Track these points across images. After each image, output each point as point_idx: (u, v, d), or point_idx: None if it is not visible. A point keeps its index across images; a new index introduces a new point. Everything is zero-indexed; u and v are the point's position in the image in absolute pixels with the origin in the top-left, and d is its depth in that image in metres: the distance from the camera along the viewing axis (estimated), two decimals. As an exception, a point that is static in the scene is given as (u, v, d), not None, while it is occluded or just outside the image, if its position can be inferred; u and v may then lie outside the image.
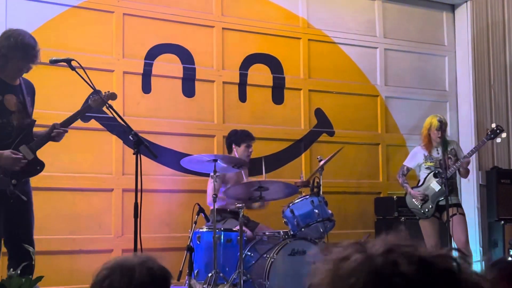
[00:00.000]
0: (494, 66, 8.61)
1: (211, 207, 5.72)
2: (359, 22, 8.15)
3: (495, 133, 6.52)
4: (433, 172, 6.52)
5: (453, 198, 6.45)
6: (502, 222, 7.53)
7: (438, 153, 6.44)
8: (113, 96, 4.84)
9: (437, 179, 6.46)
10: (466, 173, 6.62)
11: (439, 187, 6.43)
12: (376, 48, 8.21)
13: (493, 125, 6.69)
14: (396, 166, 8.09)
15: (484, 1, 8.63)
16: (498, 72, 8.62)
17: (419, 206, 6.54)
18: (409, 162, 6.78)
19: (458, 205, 6.53)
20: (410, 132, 8.25)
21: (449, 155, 6.50)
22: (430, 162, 6.55)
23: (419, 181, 6.68)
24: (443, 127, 6.41)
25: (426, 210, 6.52)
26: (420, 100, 8.39)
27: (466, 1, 8.59)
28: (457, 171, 6.50)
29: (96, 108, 4.90)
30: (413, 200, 6.59)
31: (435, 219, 6.53)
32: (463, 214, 6.50)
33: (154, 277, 1.97)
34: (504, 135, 6.66)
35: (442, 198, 6.35)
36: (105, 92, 4.80)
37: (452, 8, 8.76)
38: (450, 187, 6.39)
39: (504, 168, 8.10)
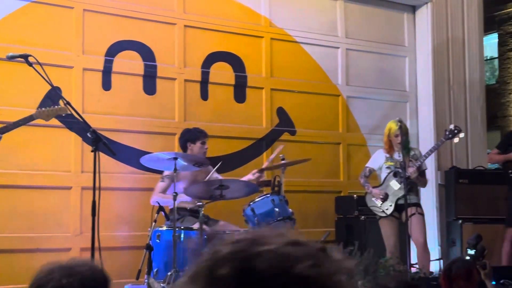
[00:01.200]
0: (453, 67, 8.72)
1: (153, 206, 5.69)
2: (321, 22, 8.18)
3: (453, 133, 6.60)
4: (393, 172, 6.58)
5: (412, 197, 6.51)
6: (460, 221, 7.62)
7: (399, 156, 6.51)
8: (62, 111, 4.75)
9: (397, 178, 6.53)
10: (423, 183, 6.72)
11: (399, 186, 6.50)
12: (338, 48, 8.25)
13: (451, 126, 6.78)
14: (356, 166, 8.16)
15: (444, 3, 8.73)
16: (457, 73, 8.74)
17: (379, 205, 6.60)
18: (371, 164, 6.84)
19: (417, 205, 6.59)
20: (370, 132, 8.31)
21: (410, 159, 6.57)
22: (391, 162, 6.62)
23: (380, 181, 6.75)
24: (402, 131, 6.46)
25: (386, 208, 6.58)
26: (381, 100, 8.46)
27: (427, 3, 8.67)
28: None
29: (41, 118, 4.80)
30: (373, 199, 6.64)
31: (394, 218, 6.59)
32: (422, 214, 6.57)
33: (96, 278, 1.95)
34: (461, 135, 6.76)
35: (401, 197, 6.41)
36: (53, 106, 4.69)
37: (413, 9, 8.85)
38: (410, 186, 6.46)
39: (463, 168, 8.21)
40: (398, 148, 6.50)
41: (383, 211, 6.60)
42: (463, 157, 8.53)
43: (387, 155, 6.65)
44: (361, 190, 7.78)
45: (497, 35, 21.18)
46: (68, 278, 1.93)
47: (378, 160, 6.77)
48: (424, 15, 8.72)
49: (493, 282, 5.65)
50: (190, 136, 6.31)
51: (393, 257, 6.10)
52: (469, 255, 4.95)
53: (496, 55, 21.45)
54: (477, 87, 8.91)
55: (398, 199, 6.49)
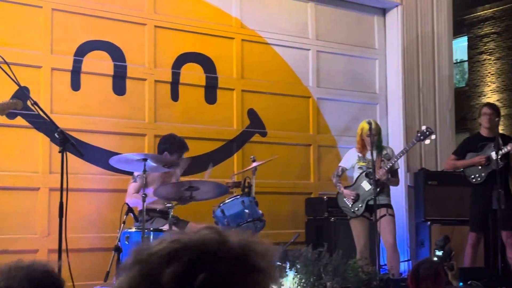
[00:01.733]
0: (423, 70, 8.80)
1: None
2: (292, 24, 8.20)
3: (425, 135, 6.66)
4: (364, 172, 6.62)
5: (383, 198, 6.55)
6: (429, 222, 7.70)
7: (372, 155, 6.55)
8: (17, 105, 4.67)
9: (368, 179, 6.57)
10: (395, 183, 6.77)
11: (370, 187, 6.53)
12: (309, 50, 8.27)
13: (423, 127, 6.84)
14: (327, 167, 8.19)
15: (414, 6, 8.81)
16: (427, 75, 8.82)
17: (350, 205, 6.64)
18: (344, 163, 6.87)
19: (388, 206, 6.62)
20: (341, 134, 8.35)
21: (382, 158, 6.62)
22: (363, 162, 6.66)
23: (352, 181, 6.79)
24: (374, 131, 6.50)
25: (356, 209, 6.62)
26: (351, 102, 8.50)
27: (397, 6, 8.73)
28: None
29: None
30: (345, 199, 6.68)
31: (365, 219, 6.63)
32: (392, 215, 6.61)
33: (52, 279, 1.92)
34: (433, 137, 6.83)
35: (372, 197, 6.44)
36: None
37: (383, 12, 8.90)
38: (381, 187, 6.51)
39: (432, 169, 8.29)
40: (371, 147, 6.54)
41: (353, 212, 6.64)
42: (432, 159, 8.61)
43: (360, 155, 6.69)
44: (332, 192, 7.81)
45: (466, 38, 21.41)
46: (14, 279, 1.88)
47: (350, 159, 6.81)
48: (394, 18, 8.78)
49: (461, 284, 5.72)
50: (171, 147, 6.23)
51: (362, 258, 6.13)
52: (437, 256, 5.00)
53: (466, 58, 21.69)
54: (447, 89, 9.00)
55: (369, 200, 6.53)
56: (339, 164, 6.91)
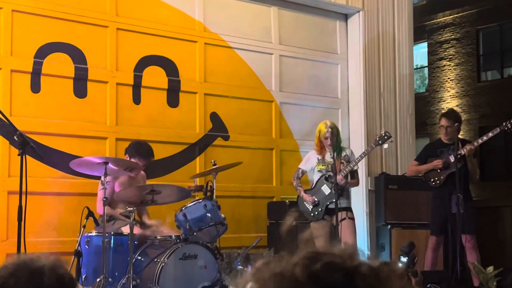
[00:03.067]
0: (384, 75, 8.89)
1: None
2: (256, 28, 8.22)
3: (383, 139, 6.72)
4: (324, 176, 6.65)
5: (343, 201, 6.59)
6: (389, 226, 7.77)
7: (331, 157, 6.57)
8: None
9: (328, 182, 6.60)
10: (354, 184, 6.82)
11: (329, 191, 6.57)
12: (272, 54, 8.30)
13: (382, 132, 6.90)
14: (289, 171, 8.21)
15: (375, 12, 8.90)
16: (387, 81, 8.91)
17: (310, 209, 6.67)
18: (303, 165, 6.90)
19: (348, 209, 6.66)
20: (303, 138, 8.38)
21: (342, 160, 6.66)
22: (322, 165, 6.68)
23: (312, 184, 6.82)
24: (333, 133, 6.55)
25: (316, 213, 6.65)
26: (314, 106, 8.54)
27: (359, 11, 8.81)
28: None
29: None
30: (304, 203, 6.71)
31: (325, 221, 6.65)
32: (352, 218, 6.65)
33: (63, 284, 1.88)
34: (391, 141, 6.89)
35: (332, 201, 6.48)
36: None
37: (345, 17, 8.97)
38: (341, 190, 6.55)
39: (392, 174, 8.38)
40: (330, 149, 6.57)
41: (313, 215, 6.67)
42: (392, 163, 8.70)
43: (319, 157, 6.71)
44: (293, 196, 7.84)
45: (427, 44, 21.68)
46: (14, 276, 1.83)
47: (310, 162, 6.83)
48: (356, 23, 8.86)
49: (420, 286, 5.79)
50: (139, 153, 6.22)
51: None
52: (402, 262, 5.04)
53: (426, 63, 21.97)
54: (407, 94, 9.10)
55: (329, 203, 6.56)
56: (299, 166, 6.92)
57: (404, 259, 5.19)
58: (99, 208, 5.85)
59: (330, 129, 6.52)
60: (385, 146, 6.96)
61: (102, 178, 5.92)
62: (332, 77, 8.84)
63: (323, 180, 6.65)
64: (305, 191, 6.73)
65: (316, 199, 6.62)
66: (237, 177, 7.56)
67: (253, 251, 6.50)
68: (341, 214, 6.50)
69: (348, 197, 6.76)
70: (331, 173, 6.52)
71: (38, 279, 1.79)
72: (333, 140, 6.52)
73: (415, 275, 4.76)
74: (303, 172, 6.86)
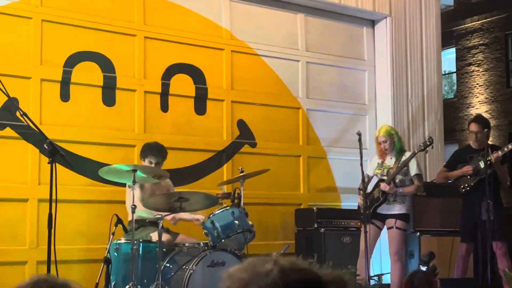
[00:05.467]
0: (412, 82, 8.84)
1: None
2: (282, 35, 8.22)
3: (426, 145, 6.65)
4: (379, 180, 6.63)
5: (395, 207, 6.53)
6: (418, 233, 7.70)
7: (391, 159, 6.59)
8: None
9: (378, 187, 6.58)
10: (410, 190, 6.70)
11: (378, 195, 6.55)
12: (298, 61, 8.29)
13: (426, 138, 6.87)
14: (316, 178, 8.21)
15: (402, 18, 8.86)
16: (415, 87, 8.86)
17: (361, 212, 6.64)
18: (367, 169, 6.77)
19: (400, 216, 6.55)
20: (330, 145, 8.37)
21: (398, 165, 6.57)
22: (379, 170, 6.66)
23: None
24: (386, 137, 6.56)
25: (362, 216, 6.58)
26: (341, 113, 8.52)
27: (386, 17, 8.78)
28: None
29: None
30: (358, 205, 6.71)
31: (372, 225, 6.57)
32: (400, 228, 6.53)
33: None
34: (432, 147, 6.83)
35: (377, 205, 6.49)
36: None
37: (373, 23, 8.94)
38: (385, 196, 6.50)
39: (421, 181, 8.31)
40: (390, 153, 6.59)
41: (361, 218, 6.62)
42: (421, 170, 8.61)
43: (379, 161, 6.69)
44: (321, 203, 7.85)
45: (455, 50, 21.53)
46: None
47: (371, 166, 6.82)
48: (383, 29, 8.82)
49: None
50: (142, 151, 6.26)
51: (352, 269, 6.11)
52: (421, 271, 5.00)
53: (454, 69, 21.81)
54: (435, 101, 9.04)
55: (376, 207, 6.54)
56: (366, 172, 6.81)
57: (423, 268, 5.16)
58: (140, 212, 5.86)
59: (383, 136, 6.55)
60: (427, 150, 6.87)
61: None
62: (359, 84, 8.81)
63: (377, 184, 6.62)
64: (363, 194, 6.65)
65: (365, 203, 6.56)
66: (264, 184, 7.55)
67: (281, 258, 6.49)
68: (391, 222, 6.48)
69: (403, 203, 6.60)
70: (384, 177, 6.50)
71: None
72: (386, 144, 6.55)
73: (436, 284, 4.74)
74: (368, 177, 6.74)
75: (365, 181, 6.55)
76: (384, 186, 6.48)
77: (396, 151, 6.63)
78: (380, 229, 6.69)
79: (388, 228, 6.55)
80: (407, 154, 6.66)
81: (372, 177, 6.81)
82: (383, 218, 6.61)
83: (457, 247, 7.12)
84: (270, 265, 1.31)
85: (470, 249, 6.87)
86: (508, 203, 7.83)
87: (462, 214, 7.00)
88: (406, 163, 6.57)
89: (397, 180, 6.55)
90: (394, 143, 6.64)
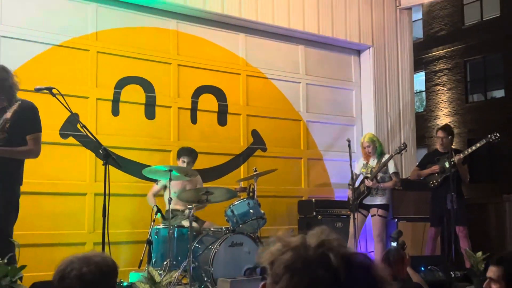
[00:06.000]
0: (390, 99, 8.81)
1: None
2: (287, 62, 8.21)
3: (401, 149, 6.63)
4: (363, 177, 6.62)
5: (377, 199, 6.55)
6: (396, 220, 7.66)
7: (374, 161, 6.59)
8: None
9: (363, 183, 6.58)
10: (389, 185, 6.67)
11: (363, 189, 6.56)
12: (300, 82, 8.28)
13: (401, 143, 6.85)
14: (315, 176, 8.19)
15: (382, 48, 8.83)
16: (393, 103, 8.83)
17: (350, 203, 6.64)
18: (355, 169, 6.75)
19: (381, 206, 6.56)
20: (326, 149, 8.34)
21: (380, 165, 6.57)
22: (364, 169, 6.68)
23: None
24: (366, 143, 6.60)
25: (351, 206, 6.58)
26: (334, 123, 8.50)
27: (369, 48, 8.75)
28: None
29: None
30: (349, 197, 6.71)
31: (360, 214, 6.56)
32: (381, 216, 6.55)
33: (102, 272, 1.94)
34: (406, 150, 6.83)
35: (363, 197, 6.48)
36: None
37: (358, 52, 8.92)
38: (369, 190, 6.49)
39: (398, 177, 8.26)
40: (372, 156, 6.59)
41: (350, 208, 6.63)
42: (398, 169, 8.57)
43: (364, 162, 6.72)
44: (318, 195, 7.82)
45: (424, 73, 21.48)
46: (87, 266, 1.90)
47: (358, 166, 6.83)
48: (367, 57, 8.80)
49: (422, 269, 5.69)
50: (177, 153, 6.33)
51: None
52: (393, 247, 4.96)
53: (423, 88, 21.74)
54: (409, 114, 9.00)
55: (362, 199, 6.54)
56: (354, 171, 6.80)
57: (394, 244, 5.11)
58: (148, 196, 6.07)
59: (367, 142, 6.56)
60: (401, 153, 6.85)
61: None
62: (348, 100, 8.79)
63: (363, 181, 6.62)
64: (351, 189, 6.65)
65: (353, 196, 6.57)
66: (273, 181, 7.52)
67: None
68: (374, 210, 6.50)
69: (383, 195, 6.60)
70: (368, 175, 6.49)
71: (87, 262, 1.86)
72: (370, 148, 6.58)
73: (405, 256, 4.70)
74: (356, 174, 6.72)
75: (353, 178, 6.54)
76: (368, 182, 6.47)
77: (378, 154, 6.62)
78: (365, 216, 6.67)
79: (372, 216, 6.53)
80: (386, 156, 6.65)
81: (359, 175, 6.79)
82: (368, 207, 6.59)
83: (427, 231, 7.08)
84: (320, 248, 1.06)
85: (438, 232, 6.83)
86: (467, 195, 7.77)
87: (431, 204, 6.96)
88: (386, 164, 6.55)
89: (378, 177, 6.53)
90: (376, 147, 6.63)
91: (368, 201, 6.57)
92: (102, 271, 1.91)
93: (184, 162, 6.20)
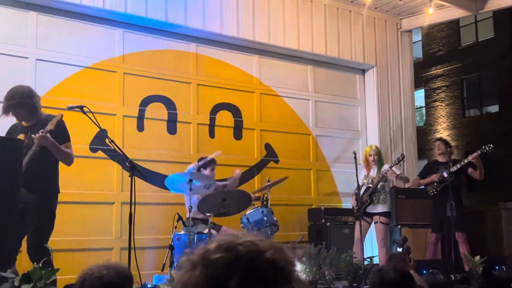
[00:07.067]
0: (392, 114, 8.77)
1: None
2: (297, 81, 8.22)
3: (399, 159, 6.59)
4: (366, 187, 6.57)
5: (380, 207, 6.46)
6: (399, 226, 7.60)
7: (374, 171, 6.54)
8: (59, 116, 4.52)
9: (365, 193, 6.52)
10: (405, 181, 6.78)
11: (366, 199, 6.50)
12: (309, 100, 8.28)
13: (400, 155, 6.82)
14: (323, 186, 8.15)
15: (385, 67, 8.82)
16: (395, 118, 8.79)
17: (355, 211, 6.58)
18: (360, 180, 6.74)
19: (383, 214, 6.46)
20: (333, 161, 8.31)
21: (380, 174, 6.51)
22: (365, 179, 6.60)
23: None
24: (373, 152, 6.56)
25: (356, 214, 6.54)
26: (340, 137, 8.47)
27: (373, 67, 8.74)
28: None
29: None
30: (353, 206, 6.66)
31: (364, 221, 6.50)
32: (383, 223, 6.45)
33: (123, 278, 1.95)
34: (403, 161, 6.80)
35: (366, 205, 6.42)
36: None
37: (363, 72, 8.91)
38: (378, 198, 6.43)
39: (401, 187, 8.20)
40: (373, 165, 6.52)
41: (355, 217, 6.58)
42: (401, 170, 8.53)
43: (365, 173, 6.64)
44: (328, 204, 7.78)
45: (423, 90, 21.39)
46: (106, 270, 1.92)
47: (360, 177, 6.73)
48: (371, 76, 8.78)
49: (424, 272, 5.63)
50: (204, 163, 6.27)
51: (350, 253, 6.04)
52: (397, 252, 4.92)
53: (423, 104, 21.63)
54: (410, 128, 8.95)
55: (365, 207, 6.48)
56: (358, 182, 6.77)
57: (399, 249, 5.06)
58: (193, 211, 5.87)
59: (375, 151, 6.52)
60: (400, 164, 6.81)
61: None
62: (354, 116, 8.76)
63: (365, 190, 6.56)
64: (356, 199, 6.61)
65: (358, 205, 6.51)
66: (285, 190, 7.50)
67: (298, 245, 6.44)
68: (376, 218, 6.43)
69: (385, 202, 6.52)
70: (370, 185, 6.45)
71: (106, 275, 1.88)
72: (375, 157, 6.52)
73: (410, 261, 4.66)
74: (358, 186, 6.67)
75: (359, 187, 6.49)
76: (389, 172, 6.36)
77: (378, 164, 6.58)
78: (369, 223, 6.60)
79: (375, 223, 6.46)
80: (386, 166, 6.62)
81: (362, 185, 6.74)
82: (371, 215, 6.52)
83: (428, 237, 7.01)
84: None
85: (439, 238, 6.75)
86: (466, 203, 7.68)
87: (433, 212, 6.89)
88: (384, 176, 6.47)
89: (379, 186, 6.48)
90: (380, 158, 6.60)
91: (370, 209, 6.52)
92: (120, 274, 1.93)
93: (212, 169, 6.24)
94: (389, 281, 2.18)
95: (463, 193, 6.88)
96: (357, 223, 6.53)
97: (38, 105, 4.52)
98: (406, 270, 2.25)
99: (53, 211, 4.49)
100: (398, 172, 6.53)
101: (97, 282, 1.87)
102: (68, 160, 4.53)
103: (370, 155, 6.58)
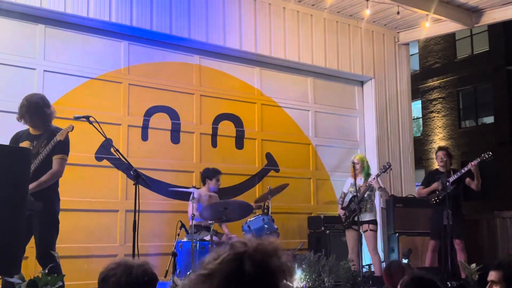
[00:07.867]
0: (390, 125, 8.77)
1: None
2: (297, 92, 8.23)
3: (385, 168, 6.53)
4: (352, 196, 6.53)
5: (367, 215, 6.38)
6: (397, 234, 7.58)
7: (361, 180, 6.48)
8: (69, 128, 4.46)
9: (353, 201, 6.47)
10: (385, 196, 6.70)
11: (354, 207, 6.45)
12: (309, 110, 8.28)
13: (385, 163, 6.77)
14: (323, 194, 8.14)
15: (383, 79, 8.83)
16: (393, 128, 8.78)
17: (343, 220, 6.55)
18: (344, 189, 6.72)
19: (372, 222, 6.39)
20: (332, 170, 8.30)
21: (367, 184, 6.47)
22: (352, 188, 6.55)
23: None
24: (360, 163, 6.47)
25: (345, 223, 6.51)
26: (339, 147, 8.46)
27: (371, 79, 8.75)
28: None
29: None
30: (341, 215, 6.61)
31: (353, 230, 6.45)
32: (372, 230, 6.40)
33: (147, 275, 1.91)
34: (391, 169, 6.77)
35: (355, 215, 6.37)
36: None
37: (361, 83, 8.92)
38: (365, 207, 6.38)
39: (398, 196, 8.19)
40: (359, 175, 6.46)
41: (344, 225, 6.54)
42: (398, 187, 8.53)
43: (352, 181, 6.52)
44: (327, 212, 7.76)
45: (420, 101, 21.40)
46: (134, 268, 1.88)
47: (346, 185, 6.70)
48: (369, 87, 8.79)
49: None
50: (209, 174, 6.28)
51: (349, 260, 6.02)
52: (404, 263, 4.93)
53: (420, 115, 21.64)
54: (408, 138, 8.94)
55: (354, 216, 6.43)
56: (342, 190, 6.76)
57: (405, 261, 5.07)
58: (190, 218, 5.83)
59: (357, 160, 6.47)
60: (386, 172, 6.74)
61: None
62: (353, 126, 8.76)
63: (352, 199, 6.51)
64: (342, 208, 6.57)
65: (345, 214, 6.48)
66: (285, 199, 7.48)
67: (298, 252, 6.42)
68: (365, 226, 6.33)
69: (371, 211, 6.48)
70: (356, 194, 6.39)
71: (129, 271, 1.83)
72: (361, 167, 6.42)
73: (409, 268, 4.65)
74: (344, 193, 6.68)
75: (358, 196, 6.44)
76: (374, 181, 6.32)
77: (365, 174, 6.52)
78: (359, 231, 6.55)
79: (364, 231, 6.37)
80: (373, 176, 6.57)
81: (347, 193, 6.70)
82: (360, 224, 6.44)
83: (426, 244, 6.98)
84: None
85: (437, 246, 6.71)
86: (466, 212, 7.64)
87: (432, 219, 6.86)
88: (371, 185, 6.41)
89: (365, 195, 6.42)
90: (364, 167, 6.53)
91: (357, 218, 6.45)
92: (147, 273, 1.89)
93: (218, 180, 6.24)
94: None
95: (464, 203, 6.84)
96: (347, 232, 6.51)
97: (52, 116, 4.53)
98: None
99: (57, 216, 4.48)
100: (381, 184, 6.45)
101: (123, 277, 1.84)
102: (55, 179, 4.41)
103: (355, 163, 6.49)
